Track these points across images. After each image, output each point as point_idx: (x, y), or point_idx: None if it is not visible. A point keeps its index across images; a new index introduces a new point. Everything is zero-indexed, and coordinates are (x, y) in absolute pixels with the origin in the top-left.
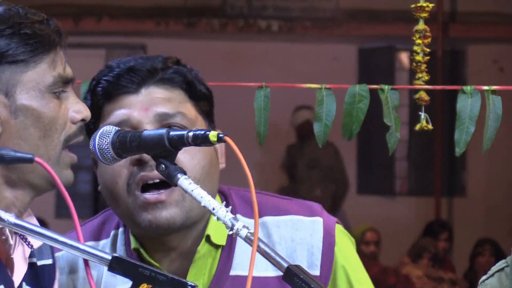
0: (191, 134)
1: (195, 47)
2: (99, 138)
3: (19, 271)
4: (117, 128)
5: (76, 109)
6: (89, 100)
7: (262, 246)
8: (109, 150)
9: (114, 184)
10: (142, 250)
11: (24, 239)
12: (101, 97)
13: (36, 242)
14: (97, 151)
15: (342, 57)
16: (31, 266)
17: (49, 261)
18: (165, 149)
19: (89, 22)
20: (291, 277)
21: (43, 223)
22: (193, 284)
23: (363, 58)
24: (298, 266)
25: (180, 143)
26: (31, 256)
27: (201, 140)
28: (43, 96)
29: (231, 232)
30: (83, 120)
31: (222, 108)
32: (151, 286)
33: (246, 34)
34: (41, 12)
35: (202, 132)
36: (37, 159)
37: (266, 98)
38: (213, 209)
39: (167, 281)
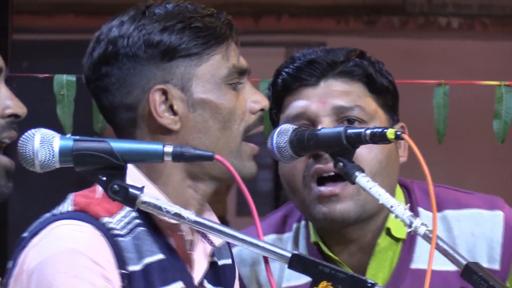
0: (368, 132)
1: (374, 45)
2: (277, 136)
3: (200, 268)
4: (294, 127)
5: (254, 99)
6: (271, 91)
7: (441, 243)
8: (287, 149)
9: (291, 176)
10: (321, 243)
11: (204, 237)
12: (281, 89)
13: (218, 240)
14: (275, 149)
15: None
16: (213, 265)
17: (229, 261)
18: (342, 147)
19: (269, 20)
20: (470, 274)
21: (224, 221)
22: (372, 282)
23: None
24: (476, 263)
25: (357, 140)
26: (212, 255)
27: (379, 138)
28: (220, 88)
29: (409, 230)
30: (262, 110)
31: (401, 105)
32: (330, 283)
33: (426, 31)
34: (223, 11)
35: (380, 130)
36: (217, 156)
37: (445, 96)
38: (391, 206)
39: (346, 278)
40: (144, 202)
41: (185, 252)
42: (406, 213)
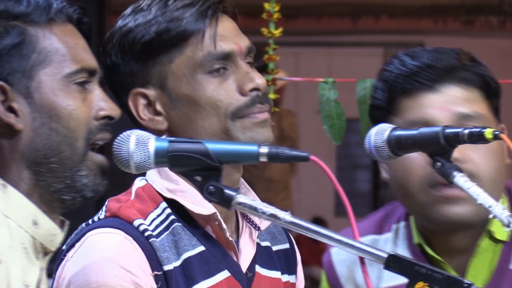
0: (466, 131)
1: (472, 45)
2: (375, 136)
3: (247, 253)
4: (392, 126)
5: (244, 80)
6: (380, 92)
7: None
8: (384, 148)
9: (407, 179)
10: (425, 245)
11: (251, 222)
12: (394, 90)
13: (264, 224)
14: (373, 149)
15: None
16: (265, 249)
17: (286, 246)
18: (440, 147)
19: (367, 20)
20: None
21: (322, 222)
22: (469, 282)
23: None
24: None
25: (455, 140)
26: (264, 240)
27: (477, 138)
28: (195, 79)
29: (508, 230)
30: (257, 89)
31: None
32: (427, 284)
33: None
34: (318, 10)
35: (478, 129)
36: (312, 157)
37: None
38: (490, 206)
39: (443, 278)
40: (240, 203)
41: (227, 240)
42: (504, 213)
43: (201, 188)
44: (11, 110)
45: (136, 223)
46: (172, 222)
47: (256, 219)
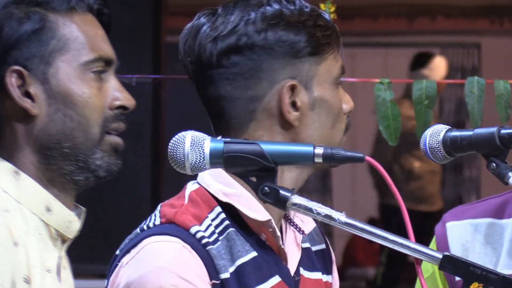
0: None
1: None
2: (430, 137)
3: (293, 257)
4: (447, 127)
5: (347, 99)
6: None
7: None
8: (440, 149)
9: None
10: None
11: (295, 226)
12: None
13: (308, 228)
14: (428, 149)
15: None
16: (306, 251)
17: (322, 246)
18: (495, 148)
19: (423, 21)
20: None
21: (377, 222)
22: None
23: None
24: None
25: (510, 141)
26: (304, 241)
27: None
28: (333, 87)
29: None
30: (350, 110)
31: None
32: (482, 285)
33: None
34: (374, 11)
35: None
36: (367, 158)
37: None
38: None
39: (498, 280)
40: (295, 204)
41: (279, 247)
42: None
43: (256, 188)
44: (27, 95)
45: (193, 230)
46: (226, 227)
47: (299, 222)
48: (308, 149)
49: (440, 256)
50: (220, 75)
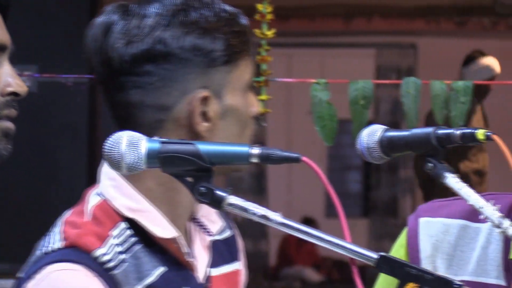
0: (458, 132)
1: (465, 46)
2: (366, 137)
3: (202, 263)
4: (383, 127)
5: (255, 103)
6: None
7: None
8: (376, 149)
9: None
10: None
11: (203, 227)
12: None
13: (216, 228)
14: (364, 149)
15: None
16: (214, 244)
17: (229, 233)
18: (432, 148)
19: (359, 21)
20: None
21: (312, 222)
22: (459, 283)
23: None
24: None
25: (447, 141)
26: (212, 235)
27: (469, 139)
28: (244, 94)
29: (498, 230)
30: (257, 114)
31: (494, 106)
32: (417, 285)
33: None
34: (311, 12)
35: (470, 130)
36: (304, 158)
37: None
38: (481, 207)
39: (434, 280)
40: (231, 204)
41: (187, 260)
42: (495, 214)
43: (192, 189)
44: None
45: (96, 254)
46: (132, 244)
47: (207, 223)
48: (244, 149)
49: (376, 256)
50: (131, 83)
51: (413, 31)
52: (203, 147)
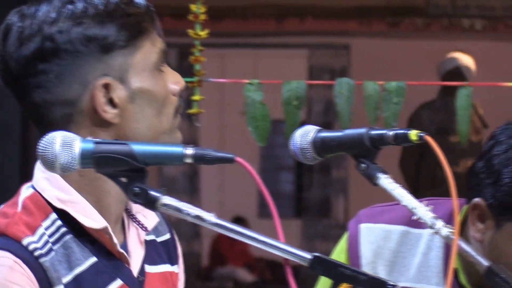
0: (391, 133)
1: (398, 47)
2: (300, 137)
3: (136, 257)
4: (317, 128)
5: (174, 80)
6: None
7: (463, 245)
8: (309, 150)
9: None
10: (461, 273)
11: (137, 222)
12: None
13: (151, 224)
14: (297, 150)
15: None
16: (151, 244)
17: (167, 236)
18: (365, 148)
19: (292, 22)
20: (492, 276)
21: (243, 222)
22: (392, 284)
23: None
24: (499, 266)
25: (380, 142)
26: (149, 234)
27: (402, 140)
28: (153, 74)
29: (431, 231)
30: (181, 90)
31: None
32: (351, 285)
33: (449, 33)
34: (244, 12)
35: (403, 131)
36: (237, 158)
37: (469, 97)
38: (414, 208)
39: (367, 280)
40: (165, 205)
41: (118, 252)
42: (428, 215)
43: (126, 189)
44: None
45: (25, 242)
46: (63, 234)
47: (142, 218)
48: (178, 150)
49: (309, 256)
50: (31, 84)
51: (346, 31)
52: (137, 147)
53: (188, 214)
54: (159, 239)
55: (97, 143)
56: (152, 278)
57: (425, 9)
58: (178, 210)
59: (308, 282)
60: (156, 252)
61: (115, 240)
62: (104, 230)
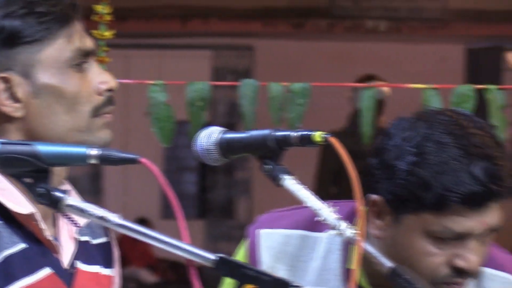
0: (296, 134)
1: (302, 48)
2: (204, 138)
3: (67, 250)
4: (222, 129)
5: (101, 79)
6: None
7: (366, 246)
8: (214, 151)
9: (418, 263)
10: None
11: (70, 219)
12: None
13: (82, 220)
14: (202, 152)
15: (449, 57)
16: (85, 244)
17: (104, 239)
18: (269, 150)
19: (196, 23)
20: (395, 277)
21: (147, 223)
22: (297, 284)
23: (471, 58)
24: (402, 267)
25: (285, 143)
26: (83, 235)
27: (306, 141)
28: (64, 71)
29: (335, 232)
30: (109, 90)
31: (329, 108)
32: (255, 286)
33: (354, 34)
34: (148, 13)
35: (307, 132)
36: (142, 159)
37: (372, 98)
38: (318, 209)
39: (271, 281)
40: (69, 205)
41: (46, 239)
42: (332, 216)
43: (31, 190)
44: None
45: None
46: None
47: (75, 217)
48: (81, 150)
49: (213, 257)
50: None
51: (250, 33)
52: (42, 148)
53: (92, 215)
54: (94, 241)
55: (3, 143)
56: (83, 275)
57: (329, 10)
58: (82, 211)
59: (210, 283)
60: (90, 253)
61: (43, 226)
62: (31, 216)
